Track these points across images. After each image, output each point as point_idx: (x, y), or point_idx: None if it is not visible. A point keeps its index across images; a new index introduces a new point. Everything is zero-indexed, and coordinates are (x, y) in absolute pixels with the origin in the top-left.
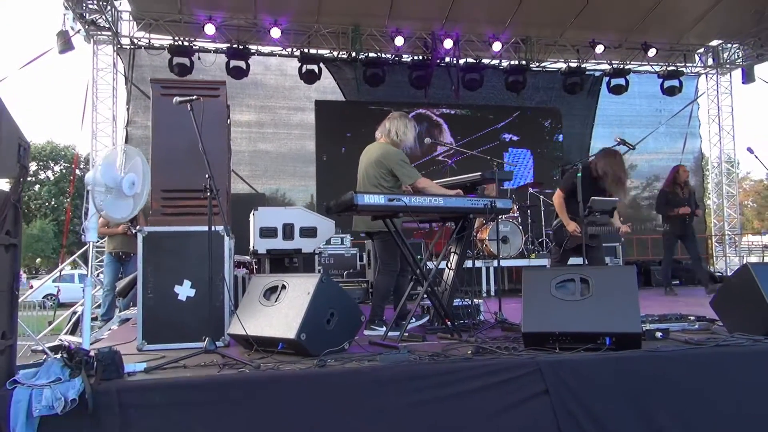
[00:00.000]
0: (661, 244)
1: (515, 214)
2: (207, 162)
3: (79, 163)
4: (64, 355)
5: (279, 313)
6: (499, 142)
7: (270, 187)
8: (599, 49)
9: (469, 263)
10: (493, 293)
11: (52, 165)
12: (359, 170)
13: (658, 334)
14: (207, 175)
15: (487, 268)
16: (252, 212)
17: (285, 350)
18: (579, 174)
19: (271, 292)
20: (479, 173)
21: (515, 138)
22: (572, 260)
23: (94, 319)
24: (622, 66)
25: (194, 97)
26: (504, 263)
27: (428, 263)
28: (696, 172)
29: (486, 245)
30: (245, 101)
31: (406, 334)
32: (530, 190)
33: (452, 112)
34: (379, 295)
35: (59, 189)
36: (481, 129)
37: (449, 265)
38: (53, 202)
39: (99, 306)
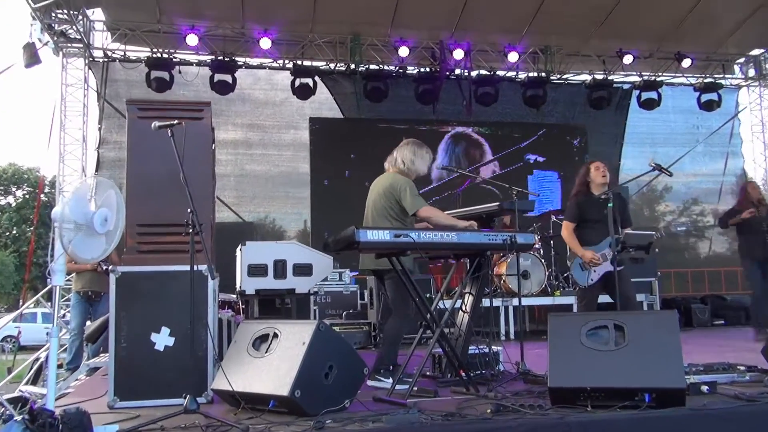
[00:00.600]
0: (702, 278)
1: (537, 245)
2: (189, 194)
3: (44, 188)
4: (26, 417)
5: (270, 365)
6: (522, 164)
7: (258, 214)
8: (628, 59)
9: (485, 302)
10: (513, 336)
11: (13, 190)
12: (367, 203)
13: (704, 388)
14: (189, 210)
15: (506, 308)
16: (239, 247)
17: (277, 409)
18: (610, 204)
19: (261, 341)
20: (496, 204)
21: (540, 159)
22: (601, 298)
23: (59, 366)
24: (653, 78)
25: (175, 121)
26: (525, 301)
27: (440, 304)
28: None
29: (504, 281)
30: (231, 119)
31: (416, 389)
32: (553, 218)
33: (469, 131)
34: (388, 342)
35: (21, 216)
36: (500, 149)
37: (463, 308)
38: (15, 231)
39: (65, 350)
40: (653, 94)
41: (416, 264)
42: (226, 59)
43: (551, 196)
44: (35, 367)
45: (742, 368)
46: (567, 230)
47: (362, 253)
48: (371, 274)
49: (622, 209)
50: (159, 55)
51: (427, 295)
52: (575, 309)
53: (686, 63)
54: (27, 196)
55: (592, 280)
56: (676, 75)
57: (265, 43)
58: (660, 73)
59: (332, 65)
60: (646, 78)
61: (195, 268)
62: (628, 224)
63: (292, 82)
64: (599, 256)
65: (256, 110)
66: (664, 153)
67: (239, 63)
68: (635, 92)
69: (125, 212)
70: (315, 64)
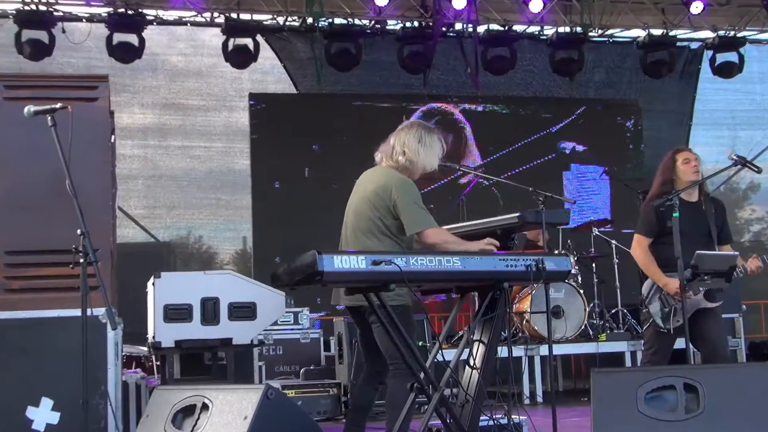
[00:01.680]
0: None
1: (574, 271)
2: (78, 208)
3: None
4: None
5: None
6: (555, 156)
7: (178, 232)
8: (696, 7)
9: (502, 352)
10: (541, 400)
11: None
12: (347, 210)
13: None
14: (79, 231)
15: (531, 359)
16: (151, 280)
17: None
18: (676, 214)
19: (185, 415)
20: (516, 215)
21: (580, 148)
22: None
23: None
24: (732, 33)
25: (58, 104)
26: (558, 350)
27: (438, 356)
28: None
29: (528, 322)
30: (138, 96)
31: None
32: (594, 230)
33: (476, 108)
34: (393, 412)
35: None
36: (523, 135)
37: (472, 361)
38: None
39: None
40: (732, 57)
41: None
42: (129, 12)
43: (596, 199)
44: None
45: None
46: (641, 248)
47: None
48: (347, 314)
49: (721, 220)
50: (33, 6)
51: (420, 343)
52: (632, 361)
53: None
54: None
55: (678, 321)
56: (765, 29)
57: None
58: (742, 27)
59: (281, 19)
60: (722, 34)
61: (89, 312)
62: (728, 241)
63: (224, 44)
64: (690, 288)
65: (173, 84)
66: (748, 138)
67: (148, 17)
68: (707, 54)
69: None
70: (256, 18)
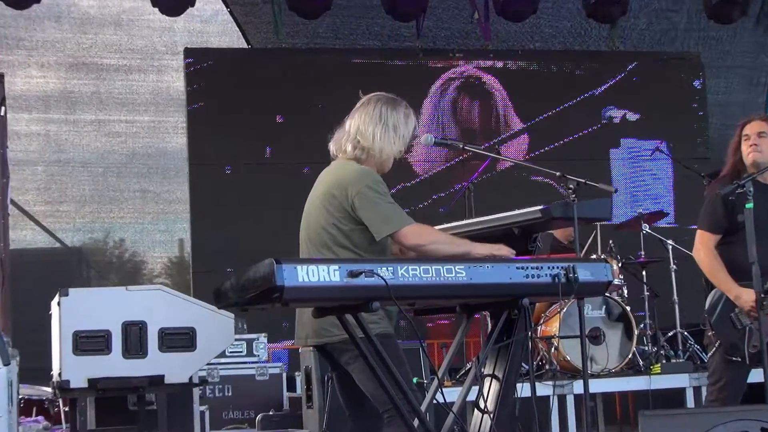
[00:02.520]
0: None
1: (617, 281)
2: None
3: None
4: None
5: None
6: (599, 128)
7: (91, 234)
8: None
9: (522, 389)
10: None
11: None
12: (302, 221)
13: None
14: None
15: (562, 399)
16: (56, 299)
17: None
18: (750, 204)
19: None
20: (539, 208)
21: (633, 116)
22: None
23: None
24: None
25: None
26: (597, 386)
27: (438, 396)
28: None
29: (557, 350)
30: (35, 55)
31: None
32: (645, 227)
33: (486, 64)
34: None
35: None
36: (553, 100)
37: (483, 404)
38: None
39: None
40: None
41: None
42: None
43: (653, 185)
44: None
45: None
46: (705, 249)
47: (300, 312)
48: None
49: None
50: None
51: (415, 380)
52: (695, 399)
53: None
54: None
55: (755, 346)
56: None
57: None
58: None
59: None
60: None
61: None
62: None
63: None
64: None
65: (83, 37)
66: None
67: None
68: None
69: None
70: None
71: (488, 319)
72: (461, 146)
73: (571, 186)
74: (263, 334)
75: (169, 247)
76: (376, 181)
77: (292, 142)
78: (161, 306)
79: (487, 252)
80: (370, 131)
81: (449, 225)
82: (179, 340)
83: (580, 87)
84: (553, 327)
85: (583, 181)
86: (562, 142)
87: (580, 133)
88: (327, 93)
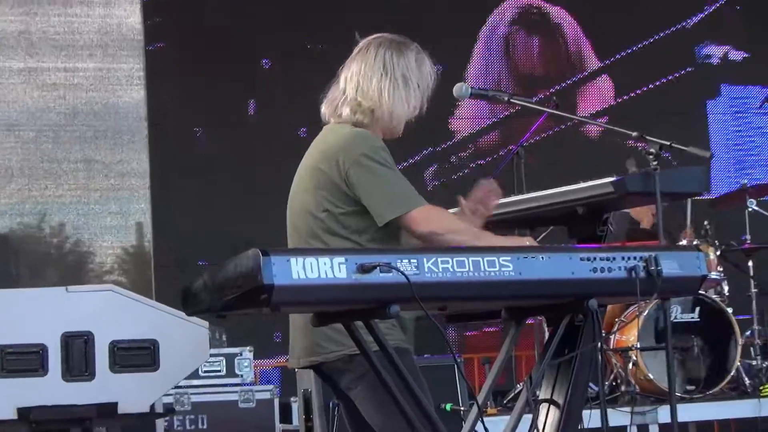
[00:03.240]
0: None
1: (715, 273)
2: None
3: None
4: None
5: None
6: (693, 70)
7: (21, 218)
8: None
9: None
10: None
11: None
12: (289, 199)
13: None
14: None
15: (643, 430)
16: None
17: None
18: None
19: None
20: (609, 180)
21: (736, 55)
22: None
23: None
24: None
25: None
26: (688, 412)
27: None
28: None
29: (636, 366)
30: None
31: None
32: (751, 203)
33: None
34: None
35: None
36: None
37: None
38: None
39: None
40: None
41: (413, 327)
42: None
43: (762, 147)
44: None
45: None
46: None
47: (290, 317)
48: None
49: None
50: None
51: (443, 406)
52: None
53: None
54: None
55: None
56: None
57: None
58: None
59: None
60: None
61: None
62: None
63: None
64: None
65: None
66: None
67: None
68: None
69: None
70: None
71: (544, 327)
72: (506, 98)
73: (652, 150)
74: (248, 348)
75: (123, 235)
76: (376, 147)
77: (283, 97)
78: (113, 312)
79: (522, 242)
80: (374, 87)
81: (504, 201)
82: (137, 356)
83: (664, 17)
84: (630, 336)
85: (669, 143)
86: (639, 91)
87: (665, 79)
88: (330, 28)
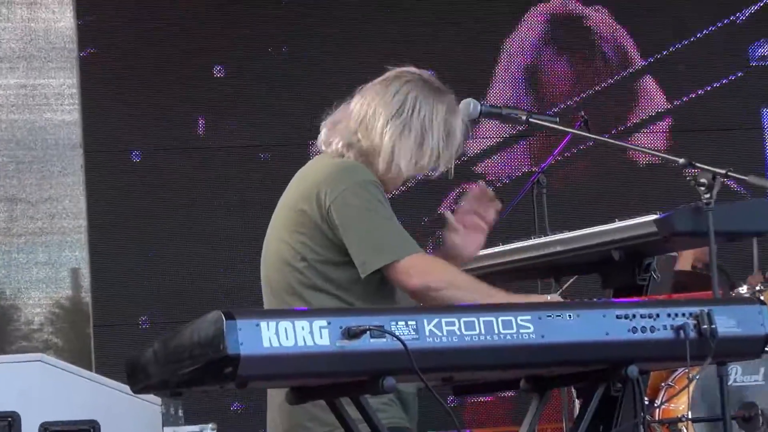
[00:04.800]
0: None
1: None
2: None
3: None
4: None
5: None
6: (742, 75)
7: None
8: None
9: None
10: None
11: None
12: (263, 247)
13: None
14: None
15: None
16: None
17: None
18: None
19: None
20: (652, 218)
21: None
22: None
23: None
24: None
25: None
26: None
27: None
28: None
29: None
30: None
31: None
32: None
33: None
34: None
35: None
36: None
37: None
38: None
39: None
40: None
41: (415, 402)
42: None
43: None
44: None
45: None
46: None
47: (268, 391)
48: None
49: None
50: None
51: None
52: None
53: None
54: None
55: None
56: None
57: None
58: None
59: None
60: None
61: None
62: None
63: None
64: None
65: None
66: None
67: None
68: None
69: None
70: None
71: (574, 397)
72: (524, 118)
73: (703, 180)
74: (210, 426)
75: (54, 287)
76: (365, 181)
77: (240, 114)
78: (43, 387)
79: (541, 300)
80: (378, 127)
81: (503, 248)
82: None
83: (711, 10)
84: (680, 404)
85: (723, 171)
86: (681, 101)
87: (712, 86)
88: (295, 28)
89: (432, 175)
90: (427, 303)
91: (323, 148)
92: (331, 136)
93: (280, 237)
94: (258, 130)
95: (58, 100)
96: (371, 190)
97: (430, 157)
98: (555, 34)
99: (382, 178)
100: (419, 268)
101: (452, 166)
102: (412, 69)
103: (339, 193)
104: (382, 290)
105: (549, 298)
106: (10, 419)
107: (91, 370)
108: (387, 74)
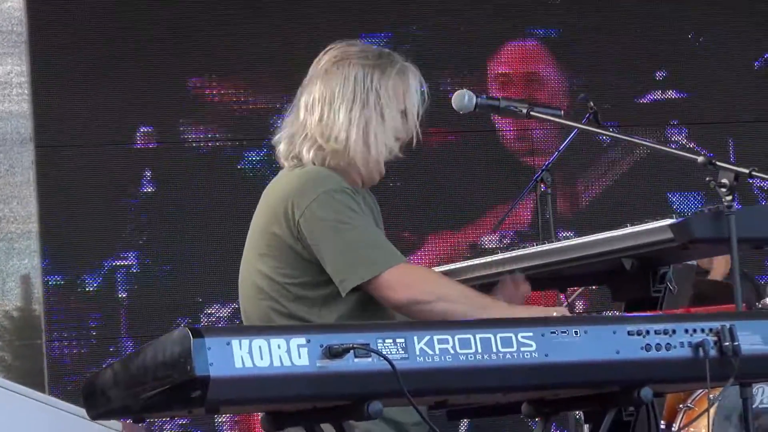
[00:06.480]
0: None
1: None
2: None
3: None
4: None
5: None
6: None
7: None
8: None
9: None
10: None
11: None
12: (240, 272)
13: None
14: None
15: None
16: None
17: None
18: None
19: None
20: (667, 222)
21: None
22: None
23: None
24: None
25: None
26: None
27: None
28: None
29: None
30: None
31: None
32: None
33: None
34: None
35: None
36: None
37: None
38: None
39: None
40: None
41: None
42: None
43: None
44: None
45: None
46: None
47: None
48: None
49: None
50: None
51: None
52: None
53: None
54: None
55: None
56: None
57: None
58: None
59: None
60: None
61: None
62: None
63: None
64: None
65: None
66: None
67: None
68: None
69: None
70: None
71: (582, 422)
72: (524, 111)
73: (725, 181)
74: None
75: (1, 298)
76: (335, 189)
77: (206, 112)
78: None
79: (541, 313)
80: (341, 120)
81: (503, 256)
82: None
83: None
84: (700, 428)
85: (747, 171)
86: (697, 92)
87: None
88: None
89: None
90: (415, 318)
91: (285, 163)
92: (292, 149)
93: (251, 264)
94: (225, 126)
95: (5, 89)
96: (341, 198)
97: (398, 129)
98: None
99: (364, 174)
100: (403, 281)
101: (418, 129)
102: (347, 43)
103: (306, 206)
104: (371, 305)
105: (555, 312)
106: None
107: (43, 389)
108: (324, 58)
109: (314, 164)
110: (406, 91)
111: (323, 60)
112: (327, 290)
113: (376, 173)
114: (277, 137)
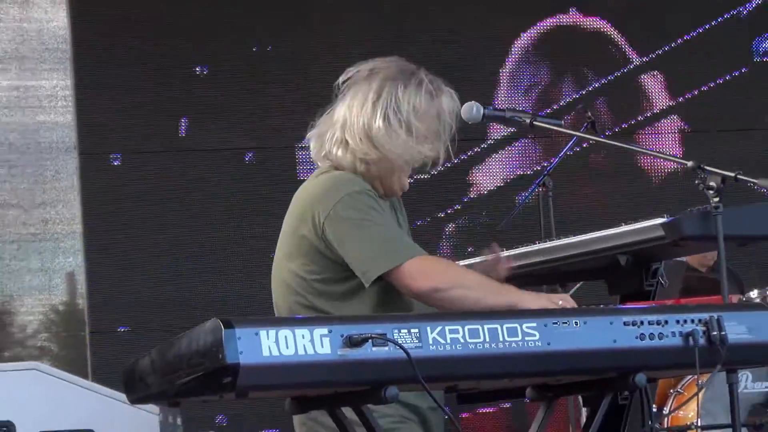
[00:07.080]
0: None
1: None
2: None
3: None
4: None
5: None
6: (748, 70)
7: None
8: None
9: None
10: None
11: None
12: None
13: None
14: None
15: None
16: None
17: None
18: None
19: None
20: (659, 221)
21: None
22: None
23: None
24: None
25: None
26: None
27: None
28: None
29: None
30: None
31: None
32: None
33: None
34: None
35: None
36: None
37: None
38: None
39: None
40: None
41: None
42: None
43: None
44: None
45: None
46: None
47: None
48: None
49: None
50: None
51: None
52: None
53: None
54: None
55: None
56: None
57: None
58: None
59: None
60: None
61: None
62: None
63: None
64: None
65: None
66: None
67: None
68: None
69: None
70: None
71: (581, 406)
72: (528, 121)
73: (712, 183)
74: None
75: (48, 293)
76: (357, 192)
77: (219, 116)
78: (39, 396)
79: (540, 305)
80: (369, 130)
81: (506, 253)
82: None
83: (713, 6)
84: (689, 412)
85: (733, 174)
86: (683, 98)
87: (715, 83)
88: (277, 24)
89: (433, 165)
90: (435, 305)
91: (318, 163)
92: (321, 149)
93: (282, 263)
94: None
95: (51, 101)
96: (363, 199)
97: (424, 137)
98: (555, 40)
99: (385, 185)
100: (423, 270)
101: (449, 149)
102: (383, 60)
103: (331, 208)
104: (388, 299)
105: (560, 301)
106: (5, 428)
107: (86, 377)
108: (360, 68)
109: (343, 165)
110: (440, 111)
111: (360, 69)
112: (347, 286)
113: (398, 187)
114: (309, 134)
